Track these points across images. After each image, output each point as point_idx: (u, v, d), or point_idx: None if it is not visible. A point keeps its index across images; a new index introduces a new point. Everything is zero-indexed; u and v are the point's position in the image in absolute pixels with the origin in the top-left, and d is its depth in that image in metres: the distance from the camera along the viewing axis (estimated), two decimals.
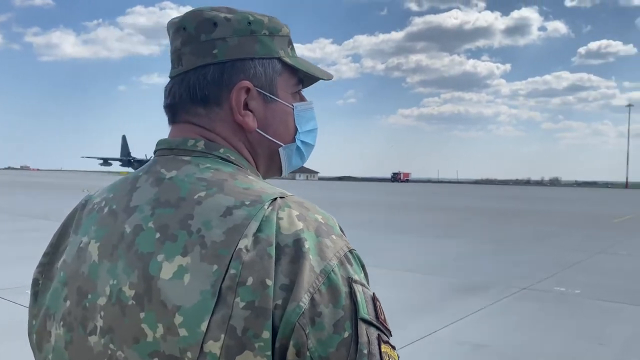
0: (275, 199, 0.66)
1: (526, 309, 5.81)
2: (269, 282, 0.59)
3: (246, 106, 0.76)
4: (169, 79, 0.81)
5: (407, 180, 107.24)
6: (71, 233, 0.77)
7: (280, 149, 0.81)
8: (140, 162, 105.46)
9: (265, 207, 0.64)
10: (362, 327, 0.61)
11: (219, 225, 0.63)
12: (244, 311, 0.58)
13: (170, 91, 0.78)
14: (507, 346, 4.58)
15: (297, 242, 0.62)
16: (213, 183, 0.68)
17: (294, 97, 0.82)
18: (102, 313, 0.66)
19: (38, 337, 0.75)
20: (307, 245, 0.62)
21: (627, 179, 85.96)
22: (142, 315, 0.62)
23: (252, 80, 0.76)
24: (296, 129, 0.82)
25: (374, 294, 0.65)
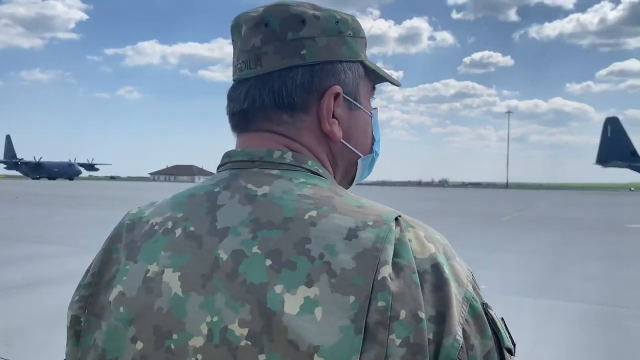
0: (397, 218, 0.60)
1: None
2: (422, 315, 0.54)
3: (332, 114, 0.69)
4: (233, 81, 0.72)
5: None
6: (122, 259, 0.65)
7: (359, 160, 0.75)
8: (29, 165, 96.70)
9: (393, 227, 0.58)
10: (507, 357, 0.58)
11: (345, 250, 0.56)
12: (400, 349, 0.52)
13: (246, 95, 0.69)
14: None
15: (436, 268, 0.57)
16: (320, 201, 0.61)
17: (370, 103, 0.76)
18: (200, 357, 0.56)
19: None
20: (446, 270, 0.57)
21: (507, 179, 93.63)
22: (261, 358, 0.54)
23: (341, 85, 0.69)
24: (373, 138, 0.77)
25: (501, 317, 0.62)
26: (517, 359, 0.60)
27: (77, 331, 0.65)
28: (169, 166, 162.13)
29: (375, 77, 0.76)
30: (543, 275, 8.09)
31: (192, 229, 0.62)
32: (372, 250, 0.55)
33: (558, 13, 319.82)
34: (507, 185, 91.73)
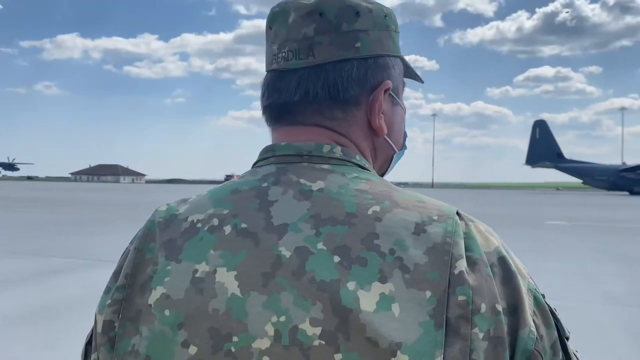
0: (457, 212, 0.60)
1: None
2: (499, 308, 0.54)
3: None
4: (271, 70, 0.69)
5: None
6: (159, 259, 0.61)
7: (395, 155, 0.76)
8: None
9: (458, 221, 0.58)
10: (568, 345, 0.59)
11: (415, 245, 0.55)
12: (483, 343, 0.52)
13: (297, 86, 0.66)
14: None
15: (503, 261, 0.58)
16: (380, 195, 0.60)
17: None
18: (267, 359, 0.54)
19: None
20: (511, 263, 0.58)
21: (432, 179, 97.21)
22: (337, 357, 0.52)
23: (391, 80, 0.69)
24: (405, 134, 0.78)
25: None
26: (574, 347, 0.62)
27: (112, 337, 0.61)
28: (92, 165, 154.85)
29: (406, 74, 0.77)
30: None
31: (244, 225, 0.59)
32: (443, 245, 0.55)
33: (479, 20, 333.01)
34: (432, 185, 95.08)
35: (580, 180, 64.21)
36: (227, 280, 0.57)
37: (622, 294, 6.85)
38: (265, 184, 0.63)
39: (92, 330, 0.65)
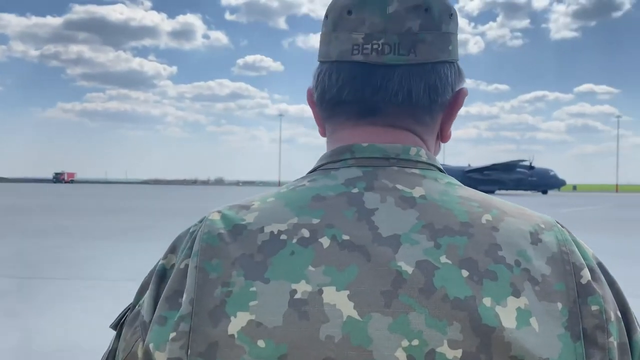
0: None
1: None
2: (618, 314, 0.55)
3: None
4: (352, 62, 0.62)
5: (72, 181, 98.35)
6: (233, 279, 0.52)
7: None
8: None
9: (562, 229, 0.59)
10: None
11: (536, 255, 0.54)
12: (616, 351, 0.53)
13: (399, 85, 0.60)
14: None
15: (602, 267, 0.59)
16: (484, 203, 0.58)
17: None
18: None
19: None
20: (607, 268, 0.61)
21: (279, 178, 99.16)
22: None
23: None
24: None
25: None
26: None
27: None
28: None
29: None
30: None
31: (346, 237, 0.53)
32: (561, 254, 0.55)
33: (320, 26, 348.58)
34: (279, 183, 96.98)
35: None
36: (339, 301, 0.50)
37: None
38: (355, 190, 0.57)
39: None
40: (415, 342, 0.49)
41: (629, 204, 36.41)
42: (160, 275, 0.57)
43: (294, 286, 0.51)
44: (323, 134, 0.70)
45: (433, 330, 0.49)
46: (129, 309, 0.61)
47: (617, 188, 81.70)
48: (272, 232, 0.54)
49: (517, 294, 0.51)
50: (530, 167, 59.61)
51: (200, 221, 0.59)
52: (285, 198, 0.59)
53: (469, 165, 67.05)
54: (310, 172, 0.65)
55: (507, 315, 0.50)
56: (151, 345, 0.53)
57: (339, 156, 0.62)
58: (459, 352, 0.49)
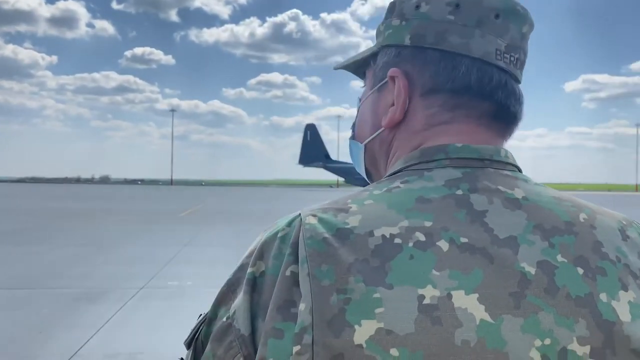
0: None
1: (156, 308, 5.89)
2: None
3: None
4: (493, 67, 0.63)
5: None
6: (351, 285, 0.49)
7: None
8: None
9: (638, 224, 0.63)
10: None
11: (629, 251, 0.57)
12: None
13: (519, 98, 0.65)
14: (160, 348, 4.56)
15: None
16: (576, 202, 0.60)
17: None
18: None
19: None
20: None
21: (172, 177, 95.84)
22: None
23: None
24: None
25: None
26: None
27: None
28: None
29: None
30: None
31: (464, 240, 0.52)
32: None
33: (215, 21, 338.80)
34: (172, 182, 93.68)
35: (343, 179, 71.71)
36: (470, 304, 0.49)
37: None
38: (459, 192, 0.57)
39: None
40: (547, 341, 0.49)
41: None
42: (252, 284, 0.54)
43: (420, 291, 0.49)
44: (397, 122, 0.66)
45: (562, 328, 0.50)
46: (203, 322, 0.57)
47: None
48: (383, 236, 0.52)
49: (625, 288, 0.53)
50: None
51: (289, 225, 0.56)
52: (386, 200, 0.56)
53: None
54: (396, 172, 0.63)
55: (622, 310, 0.52)
56: None
57: (431, 157, 0.61)
58: (587, 349, 0.50)
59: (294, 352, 0.48)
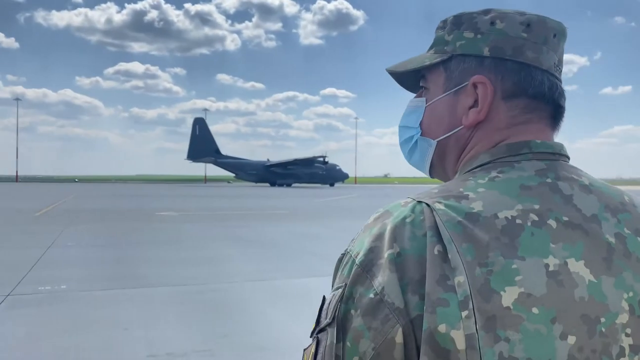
0: None
1: (28, 316, 5.41)
2: None
3: None
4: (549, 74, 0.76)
5: None
6: (492, 259, 0.60)
7: None
8: None
9: None
10: None
11: None
12: None
13: (564, 99, 0.78)
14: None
15: None
16: (617, 187, 0.75)
17: None
18: (628, 330, 0.63)
19: None
20: None
21: (17, 172, 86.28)
22: None
23: None
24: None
25: None
26: None
27: (473, 351, 0.57)
28: None
29: None
30: (112, 264, 8.18)
31: (565, 219, 0.65)
32: None
33: (66, 4, 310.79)
34: (17, 179, 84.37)
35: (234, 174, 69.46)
36: (580, 269, 0.62)
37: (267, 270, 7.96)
38: (548, 180, 0.69)
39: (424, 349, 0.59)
40: (631, 294, 0.64)
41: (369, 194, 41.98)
42: (396, 262, 0.62)
43: (545, 261, 0.61)
44: (479, 121, 0.77)
45: (638, 283, 0.65)
46: (339, 303, 0.64)
47: (355, 180, 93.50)
48: (507, 218, 0.64)
49: None
50: (324, 163, 66.00)
51: (412, 211, 0.65)
52: (496, 188, 0.68)
53: (268, 160, 70.16)
54: (484, 164, 0.74)
55: None
56: (443, 326, 0.58)
57: (518, 151, 0.73)
58: None
59: (463, 316, 0.58)
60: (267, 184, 64.55)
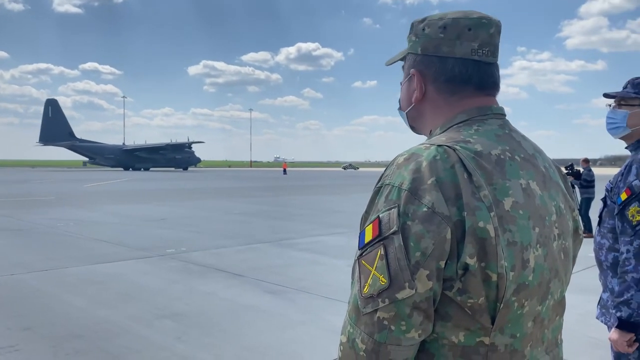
0: None
1: None
2: None
3: None
4: (477, 60, 1.02)
5: None
6: (495, 181, 0.90)
7: None
8: None
9: None
10: None
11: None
12: None
13: (497, 74, 1.06)
14: None
15: None
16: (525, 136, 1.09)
17: None
18: (556, 224, 0.98)
19: (516, 272, 0.88)
20: None
21: None
22: (567, 216, 1.04)
23: None
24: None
25: None
26: None
27: (498, 237, 0.86)
28: None
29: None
30: None
31: (522, 155, 0.98)
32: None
33: None
34: None
35: (88, 159, 68.11)
36: (535, 187, 0.96)
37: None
38: (507, 130, 1.01)
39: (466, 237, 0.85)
40: (555, 203, 0.99)
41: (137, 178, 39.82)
42: (438, 186, 0.87)
43: (520, 181, 0.94)
44: (419, 99, 1.07)
45: (556, 195, 1.01)
46: (397, 215, 0.87)
47: (251, 164, 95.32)
48: (496, 154, 0.94)
49: (557, 177, 1.06)
50: (189, 147, 69.38)
51: (437, 152, 0.91)
52: (482, 135, 0.97)
53: (124, 144, 71.72)
54: (463, 121, 1.02)
55: (564, 184, 1.08)
56: (481, 223, 0.86)
57: (485, 112, 1.02)
58: (562, 204, 1.02)
59: (491, 216, 0.87)
60: (122, 169, 64.43)
